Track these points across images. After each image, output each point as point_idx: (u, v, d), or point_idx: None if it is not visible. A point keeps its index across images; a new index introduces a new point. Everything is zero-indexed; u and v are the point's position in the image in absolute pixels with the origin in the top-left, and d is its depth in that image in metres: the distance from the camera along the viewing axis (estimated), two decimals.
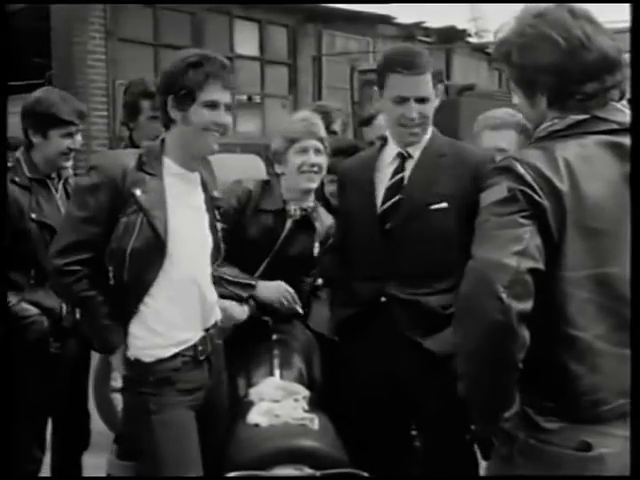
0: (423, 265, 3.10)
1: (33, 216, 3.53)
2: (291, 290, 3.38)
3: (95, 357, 4.19)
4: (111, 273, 2.75)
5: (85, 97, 9.69)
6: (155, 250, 2.76)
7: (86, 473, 4.03)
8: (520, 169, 2.02)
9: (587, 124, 2.10)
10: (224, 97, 2.81)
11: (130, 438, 3.09)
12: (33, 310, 3.51)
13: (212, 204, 3.02)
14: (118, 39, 10.89)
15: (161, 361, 2.81)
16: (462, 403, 2.29)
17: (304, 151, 3.39)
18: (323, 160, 3.43)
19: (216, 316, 3.01)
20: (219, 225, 3.03)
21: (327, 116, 4.28)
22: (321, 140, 3.42)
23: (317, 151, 3.40)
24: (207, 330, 2.93)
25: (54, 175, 3.70)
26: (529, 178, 2.00)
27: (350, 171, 3.40)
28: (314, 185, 3.43)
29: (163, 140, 2.90)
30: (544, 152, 2.06)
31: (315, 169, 3.39)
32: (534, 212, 1.98)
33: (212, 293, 2.99)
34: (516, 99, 2.27)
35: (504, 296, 1.90)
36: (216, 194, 3.07)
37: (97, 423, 4.27)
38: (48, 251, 2.86)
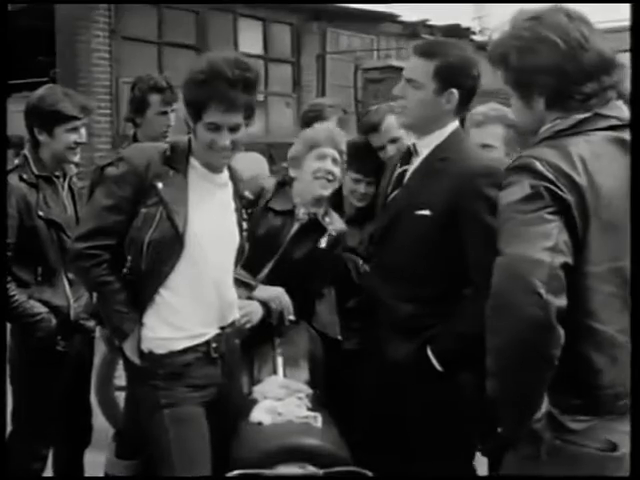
0: (401, 267, 3.04)
1: (40, 213, 3.54)
2: (287, 299, 3.38)
3: (98, 354, 4.20)
4: (128, 262, 2.79)
5: (89, 95, 9.68)
6: (172, 243, 2.78)
7: (86, 470, 4.03)
8: (540, 166, 2.02)
9: (590, 122, 2.12)
10: (227, 120, 2.75)
11: (135, 432, 3.10)
12: (42, 308, 3.52)
13: (241, 204, 3.03)
14: (122, 37, 10.89)
15: (173, 354, 2.82)
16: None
17: (322, 157, 3.40)
18: (338, 171, 3.43)
19: (234, 315, 3.02)
20: (245, 225, 3.04)
21: (320, 113, 4.28)
22: (340, 152, 3.43)
23: (334, 160, 3.42)
24: (223, 328, 2.94)
25: (59, 173, 3.71)
26: (550, 175, 2.00)
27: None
28: (326, 193, 3.43)
29: (189, 139, 2.89)
30: (558, 150, 2.07)
31: (330, 177, 3.40)
32: (559, 208, 1.99)
33: (232, 292, 3.00)
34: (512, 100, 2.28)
35: (542, 291, 1.89)
36: (247, 194, 3.09)
37: (97, 421, 4.28)
38: (72, 236, 2.94)
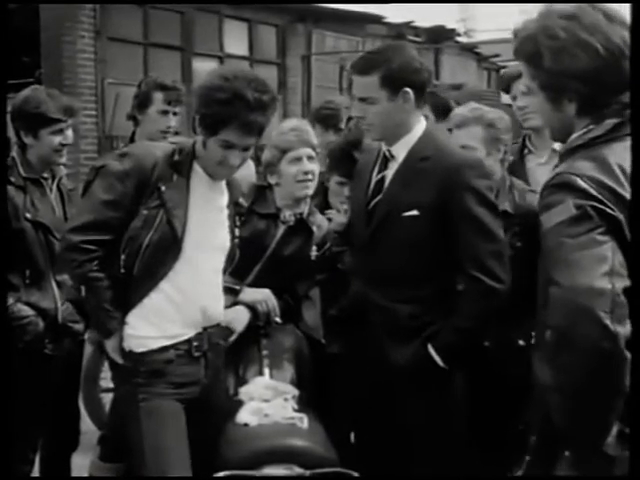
0: (395, 270, 3.05)
1: (27, 216, 3.53)
2: (274, 300, 3.38)
3: (85, 357, 4.19)
4: (122, 262, 2.78)
5: (74, 96, 9.63)
6: (170, 247, 2.79)
7: (73, 473, 4.02)
8: (582, 183, 1.88)
9: (626, 126, 1.98)
10: (243, 141, 2.77)
11: (120, 434, 3.10)
12: (29, 311, 3.50)
13: (234, 210, 3.04)
14: (107, 38, 10.85)
15: (152, 352, 2.83)
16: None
17: (298, 160, 3.40)
18: (316, 167, 3.46)
19: (220, 317, 3.03)
20: (237, 231, 3.05)
21: (336, 112, 4.27)
22: (313, 147, 3.45)
23: (310, 158, 3.44)
24: (205, 328, 2.94)
25: (48, 175, 3.70)
26: (594, 191, 1.87)
27: (359, 166, 3.36)
28: (310, 192, 3.46)
29: (194, 143, 2.89)
30: (596, 161, 1.94)
31: (309, 176, 3.42)
32: (609, 227, 1.85)
33: (220, 295, 3.01)
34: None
35: (609, 322, 1.76)
36: (241, 201, 3.10)
37: (85, 423, 4.27)
38: (65, 227, 2.91)
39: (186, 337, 2.88)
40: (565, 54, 1.99)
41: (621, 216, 1.86)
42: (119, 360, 2.87)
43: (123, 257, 2.78)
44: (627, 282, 1.83)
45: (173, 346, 2.86)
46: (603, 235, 1.84)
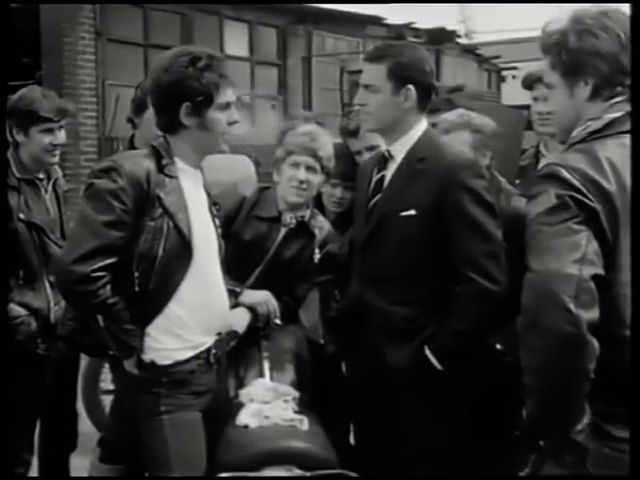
0: (391, 271, 3.05)
1: (21, 216, 3.52)
2: (274, 302, 3.38)
3: (84, 358, 4.19)
4: (137, 279, 2.70)
5: (74, 97, 9.65)
6: (182, 254, 2.75)
7: (72, 474, 4.01)
8: (565, 174, 1.98)
9: (621, 122, 2.09)
10: (232, 96, 2.85)
11: (121, 437, 3.10)
12: (21, 311, 3.50)
13: (210, 202, 3.01)
14: (108, 39, 10.85)
15: (177, 364, 2.80)
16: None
17: (295, 165, 3.39)
18: (315, 178, 3.42)
19: (230, 320, 3.04)
20: (217, 222, 3.02)
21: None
22: (317, 158, 3.41)
23: (309, 168, 3.40)
24: (219, 334, 2.95)
25: (43, 176, 3.69)
26: (576, 182, 1.96)
27: (361, 168, 3.38)
28: (300, 200, 3.44)
29: (167, 141, 2.85)
30: (585, 155, 2.03)
31: (303, 186, 3.39)
32: (587, 217, 1.94)
33: (227, 299, 3.00)
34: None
35: (572, 307, 1.86)
36: (210, 192, 3.08)
37: (84, 425, 4.27)
38: (62, 258, 2.73)
39: (207, 345, 2.87)
40: (589, 34, 2.12)
41: (599, 207, 1.95)
42: (135, 372, 2.79)
43: (137, 274, 2.70)
44: (599, 271, 1.92)
45: (196, 356, 2.84)
46: (579, 225, 1.94)
